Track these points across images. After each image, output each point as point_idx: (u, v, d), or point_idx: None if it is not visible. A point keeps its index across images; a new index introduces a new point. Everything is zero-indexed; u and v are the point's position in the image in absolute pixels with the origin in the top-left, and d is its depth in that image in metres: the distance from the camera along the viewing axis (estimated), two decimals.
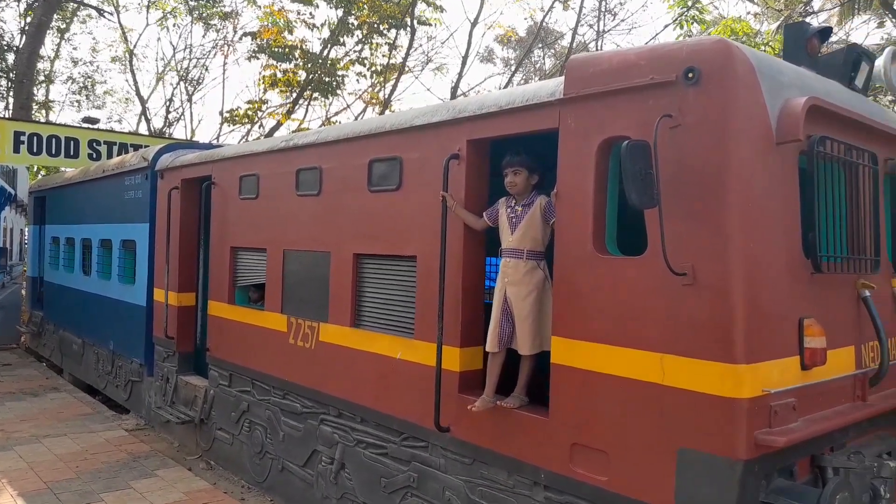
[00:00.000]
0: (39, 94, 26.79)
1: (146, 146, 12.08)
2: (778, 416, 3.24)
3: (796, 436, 3.21)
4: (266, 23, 17.69)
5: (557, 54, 27.06)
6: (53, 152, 14.76)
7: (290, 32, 17.64)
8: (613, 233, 3.81)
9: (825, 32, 4.17)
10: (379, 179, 5.18)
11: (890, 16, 16.14)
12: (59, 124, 18.09)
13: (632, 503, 3.48)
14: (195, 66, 26.01)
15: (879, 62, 4.48)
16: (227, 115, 17.53)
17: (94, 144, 15.12)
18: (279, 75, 17.77)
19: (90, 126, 15.66)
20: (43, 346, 13.59)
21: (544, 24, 22.00)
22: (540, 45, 26.02)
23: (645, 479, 3.43)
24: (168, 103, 27.00)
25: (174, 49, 34.00)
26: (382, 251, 5.17)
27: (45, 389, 10.97)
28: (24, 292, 15.16)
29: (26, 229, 15.21)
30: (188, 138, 23.43)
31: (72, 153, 14.84)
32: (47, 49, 28.17)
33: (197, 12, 23.51)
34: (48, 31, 20.10)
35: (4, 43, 20.55)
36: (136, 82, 25.62)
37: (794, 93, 3.52)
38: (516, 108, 4.13)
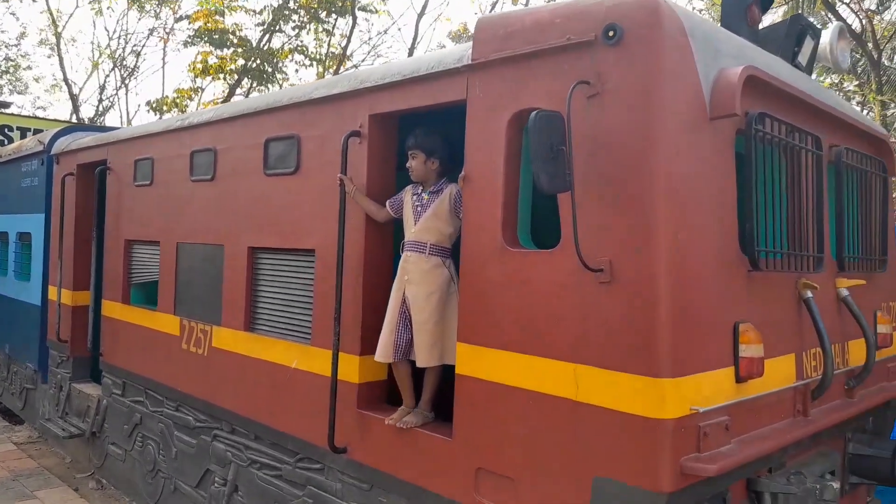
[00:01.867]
0: None
1: None
2: (708, 439, 2.75)
3: (729, 461, 2.72)
4: (200, 7, 16.78)
5: None
6: None
7: (223, 16, 16.74)
8: (527, 222, 3.28)
9: (766, 1, 3.72)
10: (276, 161, 4.55)
11: (832, 18, 16.18)
12: None
13: None
14: (130, 53, 24.78)
15: (825, 39, 4.08)
16: (154, 104, 16.51)
17: (6, 130, 14.02)
18: (211, 62, 16.86)
19: (1, 111, 14.50)
20: None
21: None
22: None
23: None
24: (101, 91, 25.66)
25: (108, 35, 32.44)
26: (279, 244, 4.54)
27: None
28: None
29: None
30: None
31: None
32: None
33: None
34: None
35: None
36: (62, 67, 23.99)
37: (730, 63, 3.04)
38: (421, 76, 3.56)
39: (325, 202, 4.11)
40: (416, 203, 3.65)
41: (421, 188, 3.70)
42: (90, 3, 23.47)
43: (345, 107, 4.03)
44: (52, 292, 7.67)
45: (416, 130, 3.69)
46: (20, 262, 8.80)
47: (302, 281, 4.39)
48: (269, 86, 17.69)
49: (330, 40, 17.51)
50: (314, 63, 17.53)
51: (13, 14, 34.83)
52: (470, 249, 3.32)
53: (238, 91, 19.12)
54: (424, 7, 20.70)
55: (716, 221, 2.96)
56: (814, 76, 4.35)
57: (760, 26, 3.82)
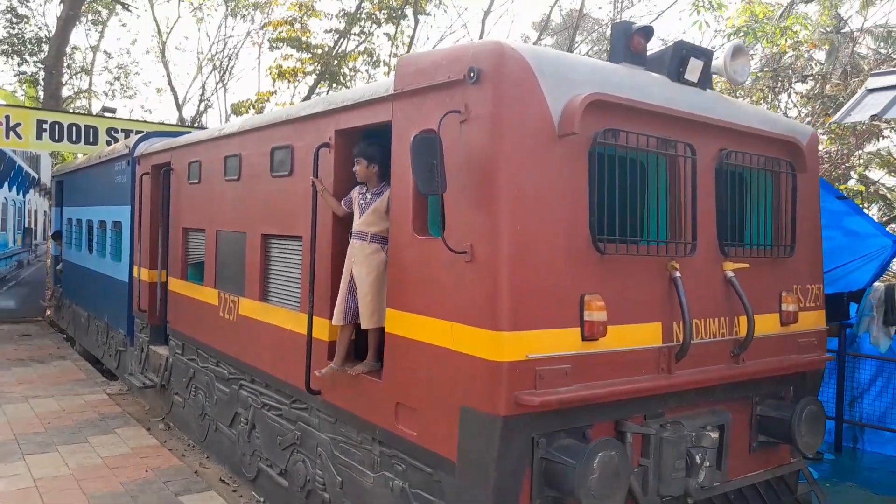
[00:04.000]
0: (83, 83, 28.26)
1: None
2: (543, 380, 3.61)
3: (554, 398, 3.58)
4: (285, 13, 18.28)
5: (597, 40, 27.02)
6: (74, 139, 15.77)
7: (301, 24, 18.18)
8: (436, 216, 4.22)
9: (648, 30, 4.44)
10: (278, 165, 5.69)
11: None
12: (79, 113, 19.18)
13: (431, 455, 3.93)
14: (227, 56, 26.96)
15: (720, 58, 4.74)
16: (233, 107, 18.32)
17: (113, 132, 16.07)
18: (288, 66, 18.43)
19: (109, 115, 16.61)
20: (62, 319, 14.68)
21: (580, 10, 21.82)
22: (581, 31, 25.97)
23: (439, 434, 3.87)
24: (202, 91, 28.04)
25: (210, 39, 35.02)
26: (280, 231, 5.69)
27: (53, 357, 11.94)
28: (50, 269, 16.31)
29: (49, 211, 16.32)
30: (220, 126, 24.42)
31: (91, 140, 15.82)
32: (90, 40, 29.65)
33: (230, 3, 24.44)
34: (82, 24, 21.24)
35: (44, 35, 21.79)
36: (167, 72, 26.52)
37: (586, 89, 3.85)
38: (364, 101, 4.57)
39: (308, 199, 5.19)
40: (361, 201, 4.66)
41: (366, 188, 4.70)
42: (192, 11, 25.74)
43: (321, 123, 5.09)
44: (136, 271, 9.25)
45: (361, 141, 4.68)
46: (114, 246, 10.50)
47: (295, 261, 5.51)
48: (343, 87, 19.11)
49: (394, 43, 18.69)
50: (380, 65, 18.83)
51: (123, 25, 38.22)
52: (394, 236, 4.31)
53: (318, 91, 20.70)
54: (490, 6, 21.48)
55: (565, 216, 3.79)
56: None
57: (649, 53, 4.55)
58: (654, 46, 4.61)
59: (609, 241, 3.92)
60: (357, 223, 4.64)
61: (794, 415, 4.76)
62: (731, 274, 4.62)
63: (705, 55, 4.64)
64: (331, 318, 4.89)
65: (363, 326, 4.60)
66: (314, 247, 4.95)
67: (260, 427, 6.04)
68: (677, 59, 4.50)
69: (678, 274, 4.26)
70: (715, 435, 4.55)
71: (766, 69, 19.63)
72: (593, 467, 3.59)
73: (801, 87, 20.24)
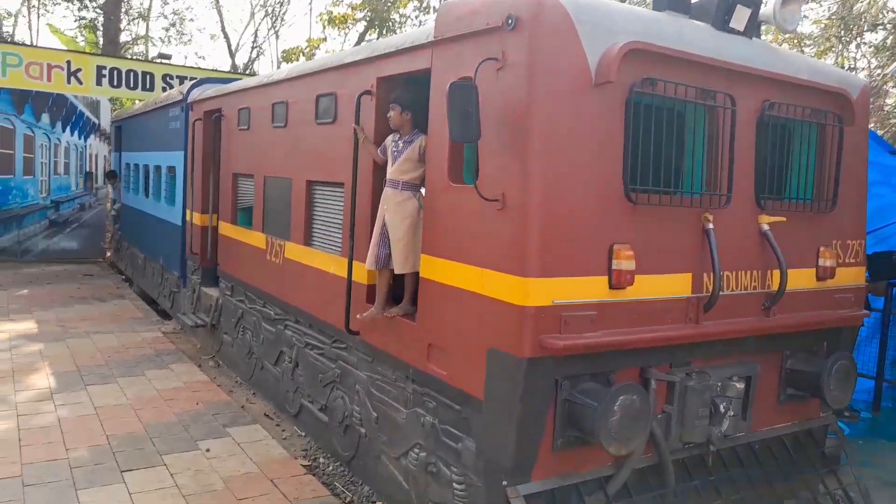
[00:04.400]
0: (140, 29, 28.78)
1: None
2: (569, 325, 3.71)
3: (578, 342, 3.68)
4: None
5: None
6: (132, 86, 16.26)
7: None
8: (470, 164, 4.30)
9: None
10: (322, 113, 5.82)
11: None
12: (136, 59, 19.62)
13: (460, 393, 4.11)
14: (279, 2, 27.02)
15: (769, 4, 4.62)
16: (284, 54, 18.46)
17: (168, 79, 16.48)
18: (338, 12, 18.44)
19: (164, 61, 16.98)
20: (120, 261, 15.37)
21: None
22: None
23: (467, 374, 4.03)
24: (254, 38, 28.27)
25: None
26: (324, 178, 5.85)
27: (112, 297, 12.57)
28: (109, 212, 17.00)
29: (109, 156, 16.92)
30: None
31: (148, 86, 16.29)
32: None
33: None
34: None
35: None
36: (221, 19, 26.81)
37: (625, 38, 3.82)
38: (405, 48, 4.63)
39: (351, 146, 5.32)
40: (394, 149, 4.76)
41: (398, 136, 4.79)
42: None
43: (363, 71, 5.18)
44: (188, 215, 9.61)
45: (397, 88, 4.75)
46: (169, 190, 10.90)
47: (337, 207, 5.68)
48: (393, 34, 19.05)
49: None
50: (430, 11, 18.62)
51: None
52: (430, 185, 4.41)
53: (368, 38, 20.66)
54: None
55: (598, 165, 3.83)
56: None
57: (694, 0, 4.46)
58: None
59: (642, 191, 3.94)
60: (390, 171, 4.75)
61: (825, 369, 4.77)
62: (766, 227, 4.59)
63: (753, 2, 4.51)
64: None
65: (396, 272, 4.75)
66: (354, 194, 5.10)
67: (303, 365, 6.33)
68: (723, 7, 4.39)
69: (711, 226, 4.26)
70: (741, 385, 4.60)
71: (833, 17, 18.70)
72: (614, 409, 3.71)
73: (871, 37, 19.26)
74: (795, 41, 18.83)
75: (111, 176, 15.75)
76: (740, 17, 4.48)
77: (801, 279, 4.84)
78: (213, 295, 8.79)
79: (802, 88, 4.73)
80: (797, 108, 4.67)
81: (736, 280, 4.49)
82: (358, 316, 4.95)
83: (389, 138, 4.85)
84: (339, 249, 5.59)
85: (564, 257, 3.72)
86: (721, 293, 4.24)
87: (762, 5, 4.63)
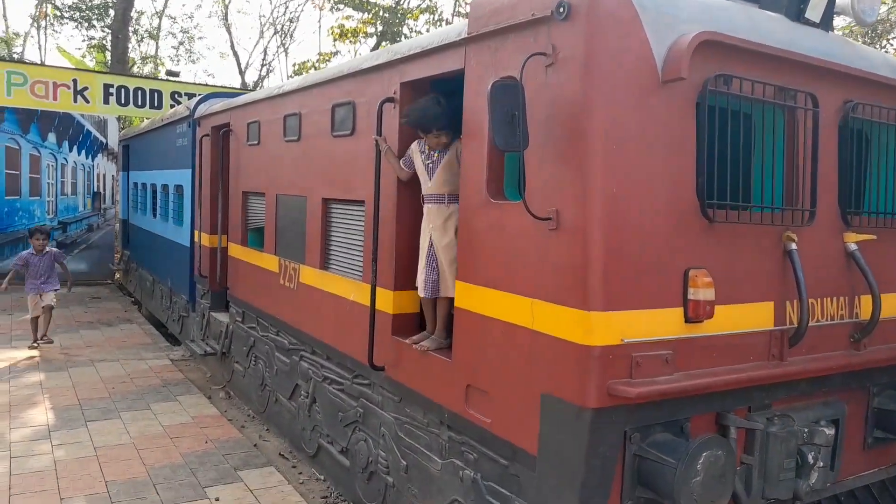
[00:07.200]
0: (149, 49, 28.59)
1: None
2: (641, 368, 3.13)
3: (654, 388, 3.09)
4: None
5: None
6: (139, 104, 15.88)
7: None
8: (514, 177, 3.74)
9: None
10: (339, 124, 5.28)
11: None
12: (144, 76, 19.25)
13: (507, 445, 3.51)
14: (288, 19, 26.75)
15: None
16: (295, 67, 18.04)
17: (176, 96, 16.09)
18: (349, 26, 18.03)
19: (172, 79, 16.60)
20: (129, 283, 14.90)
21: None
22: None
23: (516, 422, 3.44)
24: (264, 55, 28.00)
25: (271, 3, 35.00)
26: (342, 196, 5.30)
27: (120, 321, 12.07)
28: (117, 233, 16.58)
29: (117, 175, 16.52)
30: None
31: (155, 104, 15.90)
32: (156, 5, 29.83)
33: None
34: None
35: (110, 1, 21.95)
36: (230, 37, 26.56)
37: (695, 28, 3.26)
38: (432, 48, 4.08)
39: (371, 160, 4.77)
40: (427, 161, 4.20)
41: (425, 142, 4.22)
42: None
43: (384, 76, 4.64)
44: (196, 235, 9.10)
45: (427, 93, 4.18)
46: (176, 210, 10.41)
47: (357, 227, 5.13)
48: None
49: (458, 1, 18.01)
50: (443, 23, 18.16)
51: None
52: (465, 201, 3.85)
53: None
54: None
55: (668, 177, 3.25)
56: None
57: None
58: None
59: (719, 206, 3.36)
60: (429, 185, 4.19)
61: None
62: (853, 247, 3.99)
63: None
64: (395, 287, 4.53)
65: (450, 296, 4.15)
66: (377, 212, 4.55)
67: (321, 401, 5.75)
68: None
69: (794, 246, 3.67)
70: (830, 431, 3.97)
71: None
72: (697, 468, 3.11)
73: None
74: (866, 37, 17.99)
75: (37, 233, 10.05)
76: (816, 7, 3.91)
77: (893, 305, 4.23)
78: (223, 321, 8.25)
79: (888, 88, 4.14)
80: (884, 109, 4.08)
81: (821, 308, 3.89)
82: (407, 341, 4.34)
83: (415, 149, 4.30)
84: (360, 274, 5.03)
85: (633, 286, 3.14)
86: (808, 324, 3.64)
87: None
